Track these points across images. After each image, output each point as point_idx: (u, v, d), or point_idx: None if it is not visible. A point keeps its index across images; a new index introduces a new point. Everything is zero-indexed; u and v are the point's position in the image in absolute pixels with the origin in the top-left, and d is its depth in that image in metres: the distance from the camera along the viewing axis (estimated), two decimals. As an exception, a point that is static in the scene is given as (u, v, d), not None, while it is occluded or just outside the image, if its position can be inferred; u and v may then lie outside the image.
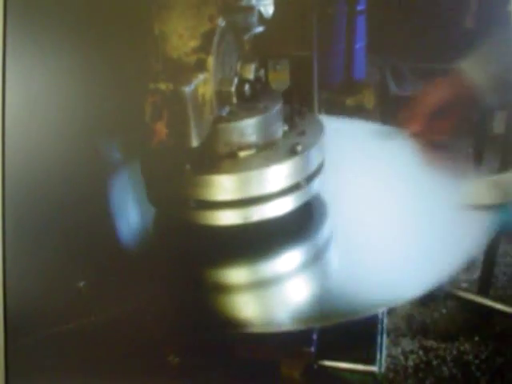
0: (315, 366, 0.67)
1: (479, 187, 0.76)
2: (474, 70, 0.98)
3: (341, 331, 0.68)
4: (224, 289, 0.71)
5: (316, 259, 0.74)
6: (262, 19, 0.75)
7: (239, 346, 0.66)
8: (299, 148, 0.69)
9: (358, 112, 3.24)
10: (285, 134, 0.75)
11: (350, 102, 3.37)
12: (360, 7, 3.52)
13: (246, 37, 0.74)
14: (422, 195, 0.83)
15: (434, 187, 0.84)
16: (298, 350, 0.65)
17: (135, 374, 0.65)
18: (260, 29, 0.75)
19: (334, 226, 0.78)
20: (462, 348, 1.79)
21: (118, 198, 0.82)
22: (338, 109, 3.26)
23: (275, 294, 0.70)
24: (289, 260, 0.73)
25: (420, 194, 0.83)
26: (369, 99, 3.35)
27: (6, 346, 0.58)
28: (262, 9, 0.74)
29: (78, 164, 0.66)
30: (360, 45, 3.75)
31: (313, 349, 0.65)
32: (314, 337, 0.65)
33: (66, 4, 0.62)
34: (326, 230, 0.77)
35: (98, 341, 0.63)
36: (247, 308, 0.69)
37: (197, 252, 0.74)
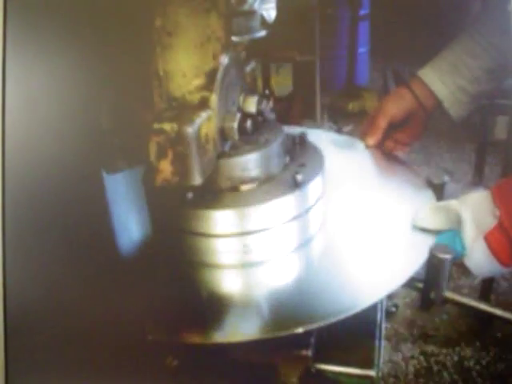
0: (313, 370, 0.67)
1: (427, 212, 0.76)
2: (436, 80, 0.96)
3: (338, 335, 0.68)
4: (211, 267, 0.71)
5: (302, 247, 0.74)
6: (264, 23, 0.75)
7: (237, 349, 0.66)
8: (300, 181, 0.70)
9: (360, 117, 3.25)
10: (285, 166, 0.75)
11: (352, 106, 3.37)
12: (363, 12, 3.52)
13: (248, 68, 0.74)
14: (373, 209, 0.82)
15: (384, 201, 0.84)
16: (295, 354, 0.65)
17: (134, 375, 0.65)
18: (262, 33, 0.75)
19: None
20: (462, 353, 1.78)
21: (118, 199, 0.83)
22: (340, 113, 3.27)
23: (259, 275, 0.70)
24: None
25: (371, 208, 0.83)
26: (371, 104, 3.35)
27: (6, 346, 0.58)
28: (265, 13, 0.74)
29: (78, 165, 0.67)
30: (363, 50, 3.76)
31: (310, 352, 0.65)
32: (312, 340, 0.65)
33: (67, 5, 0.62)
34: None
35: (97, 342, 0.63)
36: (231, 286, 0.70)
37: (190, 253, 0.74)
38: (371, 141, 0.96)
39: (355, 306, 0.63)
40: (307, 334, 0.64)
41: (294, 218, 0.71)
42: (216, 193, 0.69)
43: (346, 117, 3.23)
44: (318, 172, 0.74)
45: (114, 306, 0.66)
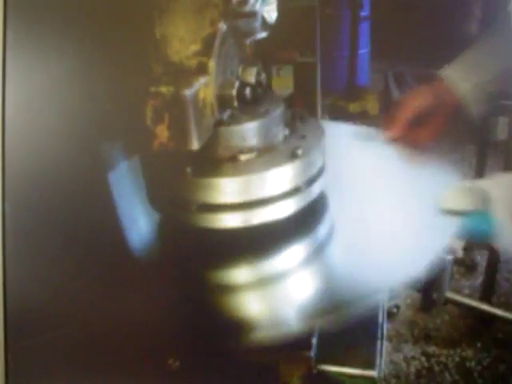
0: (315, 371, 0.67)
1: (453, 193, 0.77)
2: (457, 78, 0.98)
3: (341, 336, 0.68)
4: (227, 289, 0.71)
5: (317, 253, 0.74)
6: (265, 25, 0.75)
7: (239, 350, 0.66)
8: (299, 152, 0.70)
9: (361, 118, 3.25)
10: (285, 137, 0.75)
11: (353, 108, 3.37)
12: (364, 13, 3.53)
13: (248, 40, 0.74)
14: (400, 196, 0.83)
15: (411, 189, 0.85)
16: (297, 355, 0.65)
17: (135, 377, 0.65)
18: (263, 34, 0.75)
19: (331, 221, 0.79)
20: (464, 354, 1.78)
21: (120, 199, 0.83)
22: (341, 115, 3.26)
23: (278, 291, 0.70)
24: (290, 256, 0.74)
25: (398, 195, 0.83)
26: (372, 105, 3.35)
27: (6, 348, 0.58)
28: (266, 14, 0.74)
29: (79, 165, 0.67)
30: (363, 51, 3.76)
31: (312, 353, 0.65)
32: (314, 341, 0.65)
33: (67, 5, 0.62)
34: (326, 224, 0.78)
35: (99, 344, 0.63)
36: (251, 308, 0.69)
37: (198, 252, 0.74)
38: (392, 134, 0.97)
39: (382, 288, 0.65)
40: (309, 334, 0.65)
41: (295, 190, 0.71)
42: (214, 162, 0.69)
43: (347, 118, 3.23)
44: (318, 143, 0.74)
45: (116, 307, 0.66)
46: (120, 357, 0.64)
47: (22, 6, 0.57)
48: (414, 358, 1.78)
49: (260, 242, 0.73)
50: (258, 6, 0.71)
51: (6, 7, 0.55)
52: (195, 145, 0.61)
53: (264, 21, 0.74)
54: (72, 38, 0.64)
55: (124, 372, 0.64)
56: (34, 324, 0.62)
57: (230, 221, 0.69)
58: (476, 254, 2.07)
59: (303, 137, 0.75)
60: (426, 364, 1.76)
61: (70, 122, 0.66)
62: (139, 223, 0.83)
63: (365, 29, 3.71)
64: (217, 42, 0.64)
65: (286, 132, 0.76)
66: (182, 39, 0.64)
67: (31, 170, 0.61)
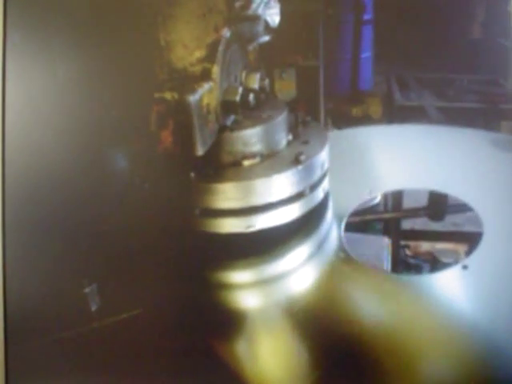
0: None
1: None
2: None
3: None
4: (227, 289, 0.71)
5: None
6: (268, 28, 0.75)
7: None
8: (303, 157, 0.70)
9: (364, 122, 3.24)
10: (289, 143, 0.76)
11: (356, 111, 3.37)
12: (367, 17, 3.52)
13: (251, 46, 0.74)
14: None
15: None
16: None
17: (134, 378, 0.65)
18: (266, 38, 0.75)
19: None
20: None
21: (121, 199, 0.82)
22: (344, 118, 3.26)
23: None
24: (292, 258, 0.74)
25: None
26: (375, 109, 3.34)
27: (6, 349, 0.58)
28: (269, 18, 0.74)
29: (80, 166, 0.67)
30: (366, 54, 3.76)
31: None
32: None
33: (70, 8, 0.63)
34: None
35: (99, 347, 0.63)
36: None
37: (201, 253, 0.74)
38: None
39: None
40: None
41: (299, 195, 0.71)
42: (218, 168, 0.70)
43: (350, 122, 3.22)
44: (321, 148, 0.75)
45: (117, 307, 0.66)
46: (120, 360, 0.63)
47: (27, 10, 0.57)
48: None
49: (263, 245, 0.73)
50: (260, 10, 0.71)
51: (5, 7, 0.55)
52: (199, 151, 0.62)
53: (267, 25, 0.74)
54: (78, 43, 0.64)
55: (123, 373, 0.64)
56: (34, 326, 0.62)
57: (232, 226, 0.69)
58: None
59: (306, 142, 0.76)
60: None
61: (71, 124, 0.66)
62: (141, 223, 0.83)
63: (368, 32, 3.71)
64: (221, 48, 0.64)
65: (289, 137, 0.76)
66: (186, 46, 0.64)
67: (32, 171, 0.61)
